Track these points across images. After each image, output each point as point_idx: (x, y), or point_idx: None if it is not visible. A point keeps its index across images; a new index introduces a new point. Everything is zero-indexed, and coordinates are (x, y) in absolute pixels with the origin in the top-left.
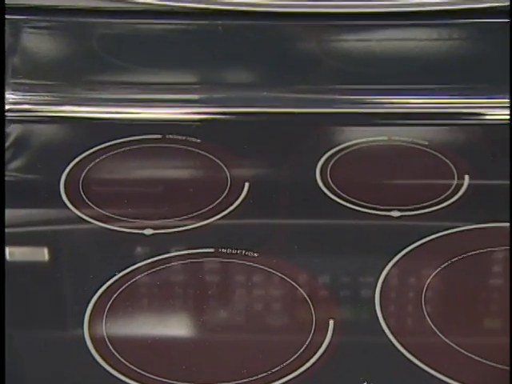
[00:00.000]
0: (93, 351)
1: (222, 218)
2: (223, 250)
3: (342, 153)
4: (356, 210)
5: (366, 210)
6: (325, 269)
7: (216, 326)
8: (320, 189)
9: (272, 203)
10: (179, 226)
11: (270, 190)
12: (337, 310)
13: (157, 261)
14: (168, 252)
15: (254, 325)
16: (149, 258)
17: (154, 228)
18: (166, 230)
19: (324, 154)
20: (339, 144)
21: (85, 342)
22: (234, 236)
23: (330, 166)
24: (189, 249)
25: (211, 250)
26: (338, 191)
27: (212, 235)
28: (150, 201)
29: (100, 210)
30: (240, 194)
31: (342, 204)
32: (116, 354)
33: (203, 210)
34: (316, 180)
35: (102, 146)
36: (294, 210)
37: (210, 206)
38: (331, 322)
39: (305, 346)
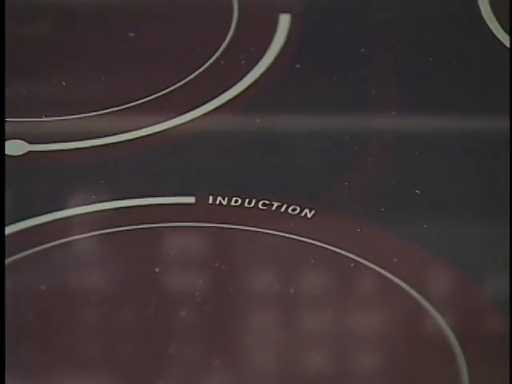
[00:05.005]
0: None
1: (221, 108)
2: (221, 199)
3: None
4: None
5: None
6: (486, 253)
7: None
8: (487, 29)
9: (351, 72)
10: (108, 134)
11: (343, 36)
12: None
13: (48, 224)
14: (77, 204)
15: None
16: (27, 219)
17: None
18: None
19: None
20: None
21: None
22: (253, 163)
23: None
24: (131, 197)
25: (190, 199)
26: None
27: (195, 157)
28: (32, 55)
29: None
30: (268, 46)
31: None
32: None
33: (174, 87)
34: (479, 10)
35: None
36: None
37: (191, 76)
38: None
39: None
